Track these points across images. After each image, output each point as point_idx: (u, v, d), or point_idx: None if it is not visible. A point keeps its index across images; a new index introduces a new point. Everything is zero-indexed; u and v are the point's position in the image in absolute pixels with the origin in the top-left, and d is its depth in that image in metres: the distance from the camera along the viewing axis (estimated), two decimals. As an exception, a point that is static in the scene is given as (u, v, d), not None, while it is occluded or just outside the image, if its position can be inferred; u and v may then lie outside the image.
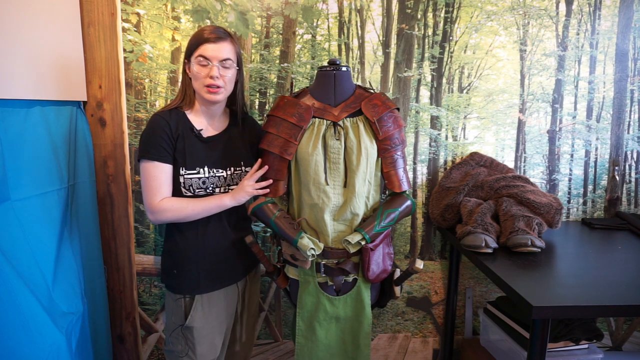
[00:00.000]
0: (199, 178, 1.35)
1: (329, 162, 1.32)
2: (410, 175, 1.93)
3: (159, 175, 1.30)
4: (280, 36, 1.81)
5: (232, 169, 1.42)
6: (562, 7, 1.86)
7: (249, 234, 1.48)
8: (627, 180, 2.00)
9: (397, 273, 1.47)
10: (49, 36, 1.50)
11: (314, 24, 1.81)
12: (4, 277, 1.15)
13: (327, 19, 1.81)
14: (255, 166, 1.37)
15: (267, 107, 1.86)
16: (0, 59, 1.27)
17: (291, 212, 1.43)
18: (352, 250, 1.33)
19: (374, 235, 1.33)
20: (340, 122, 1.33)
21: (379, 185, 1.41)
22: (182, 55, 1.45)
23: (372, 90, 1.43)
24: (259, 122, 1.86)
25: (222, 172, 1.39)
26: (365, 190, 1.37)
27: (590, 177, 1.99)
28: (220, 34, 1.31)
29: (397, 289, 1.46)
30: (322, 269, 1.37)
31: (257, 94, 1.84)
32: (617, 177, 1.97)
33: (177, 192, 1.34)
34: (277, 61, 1.83)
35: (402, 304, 2.02)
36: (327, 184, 1.32)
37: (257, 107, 1.86)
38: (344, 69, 1.37)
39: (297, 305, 1.43)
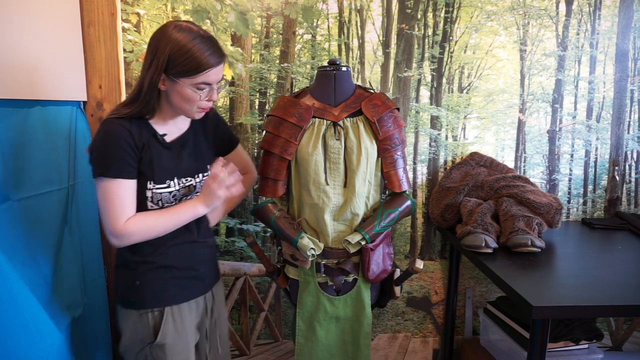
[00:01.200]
0: (170, 192, 1.18)
1: (329, 162, 1.32)
2: (410, 175, 1.93)
3: (122, 194, 1.11)
4: (280, 36, 1.81)
5: (200, 175, 1.26)
6: (562, 7, 1.86)
7: (213, 239, 1.37)
8: (627, 180, 2.00)
9: (397, 273, 1.47)
10: (49, 36, 1.49)
11: (314, 24, 1.81)
12: (4, 277, 1.15)
13: (327, 19, 1.81)
14: (218, 167, 1.15)
15: (267, 107, 1.86)
16: (0, 59, 1.27)
17: (291, 212, 1.43)
18: (352, 250, 1.33)
19: (374, 235, 1.33)
20: (340, 122, 1.33)
21: (379, 185, 1.41)
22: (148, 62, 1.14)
23: (372, 90, 1.43)
24: (258, 122, 1.86)
25: (192, 181, 1.24)
26: (365, 190, 1.37)
27: (590, 177, 1.99)
28: (220, 54, 1.13)
29: (397, 289, 1.46)
30: (322, 269, 1.37)
31: (257, 94, 1.84)
32: (617, 177, 1.97)
33: (141, 205, 1.16)
34: (277, 61, 1.83)
35: (402, 304, 2.02)
36: (327, 184, 1.32)
37: (257, 107, 1.86)
38: (344, 69, 1.37)
39: (297, 305, 1.43)
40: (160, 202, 1.18)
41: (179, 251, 1.23)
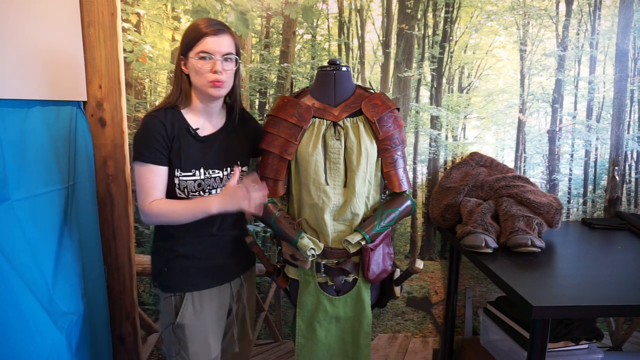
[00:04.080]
0: (195, 180, 1.31)
1: (329, 162, 1.32)
2: (410, 175, 1.93)
3: (151, 177, 1.27)
4: (280, 36, 1.81)
5: (228, 169, 1.38)
6: (562, 7, 1.86)
7: (243, 232, 1.46)
8: (627, 180, 2.00)
9: (397, 273, 1.47)
10: (49, 36, 1.49)
11: (314, 24, 1.81)
12: (4, 277, 1.15)
13: (327, 19, 1.81)
14: (251, 180, 1.25)
15: (267, 107, 1.86)
16: (0, 59, 1.27)
17: (291, 212, 1.43)
18: (352, 250, 1.33)
19: (374, 235, 1.33)
20: (341, 122, 1.33)
21: (379, 185, 1.41)
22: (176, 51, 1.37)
23: (372, 90, 1.43)
24: (259, 122, 1.86)
25: (219, 173, 1.36)
26: (366, 190, 1.37)
27: (590, 177, 1.99)
28: (219, 27, 1.28)
29: (397, 289, 1.46)
30: (322, 269, 1.37)
31: (257, 94, 1.84)
32: (617, 177, 1.97)
33: (171, 193, 1.31)
34: (277, 61, 1.83)
35: (402, 304, 2.02)
36: (327, 184, 1.32)
37: (257, 107, 1.86)
38: (344, 69, 1.37)
39: (297, 305, 1.43)
40: (185, 190, 1.31)
41: (199, 242, 1.36)
